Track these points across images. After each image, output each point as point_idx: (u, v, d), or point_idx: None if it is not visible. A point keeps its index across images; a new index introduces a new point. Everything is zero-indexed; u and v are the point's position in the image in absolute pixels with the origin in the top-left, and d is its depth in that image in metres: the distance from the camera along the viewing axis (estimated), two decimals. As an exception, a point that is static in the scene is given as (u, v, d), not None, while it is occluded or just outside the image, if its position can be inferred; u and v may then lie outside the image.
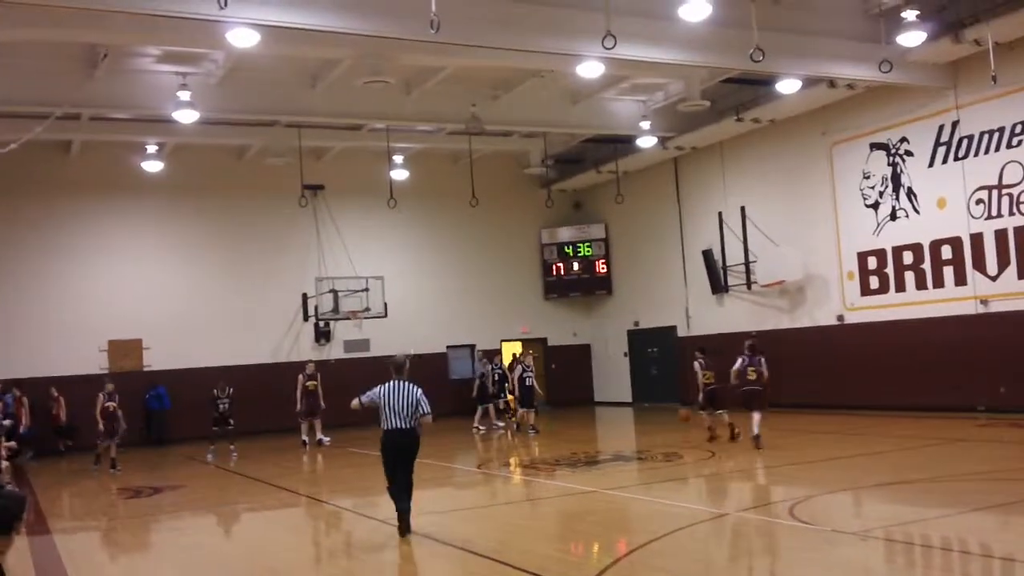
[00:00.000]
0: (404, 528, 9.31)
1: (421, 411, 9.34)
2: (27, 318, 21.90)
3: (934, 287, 18.64)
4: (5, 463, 13.98)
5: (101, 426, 16.98)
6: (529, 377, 20.05)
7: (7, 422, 16.56)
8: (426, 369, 19.96)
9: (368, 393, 9.50)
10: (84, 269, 22.78)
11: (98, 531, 11.93)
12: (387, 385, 9.43)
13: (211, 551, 10.27)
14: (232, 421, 18.75)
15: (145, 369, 22.89)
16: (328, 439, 19.72)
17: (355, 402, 9.60)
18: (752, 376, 14.93)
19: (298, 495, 12.95)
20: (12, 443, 15.61)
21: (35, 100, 17.44)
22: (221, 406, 18.75)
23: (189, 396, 21.45)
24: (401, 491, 9.39)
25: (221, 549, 10.43)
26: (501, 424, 21.33)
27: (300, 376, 19.81)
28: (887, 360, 19.28)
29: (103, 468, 17.19)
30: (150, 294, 23.17)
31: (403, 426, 9.30)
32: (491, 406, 21.68)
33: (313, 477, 15.97)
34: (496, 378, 21.89)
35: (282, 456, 18.63)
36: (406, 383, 9.44)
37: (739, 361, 15.10)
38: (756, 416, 14.66)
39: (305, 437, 19.70)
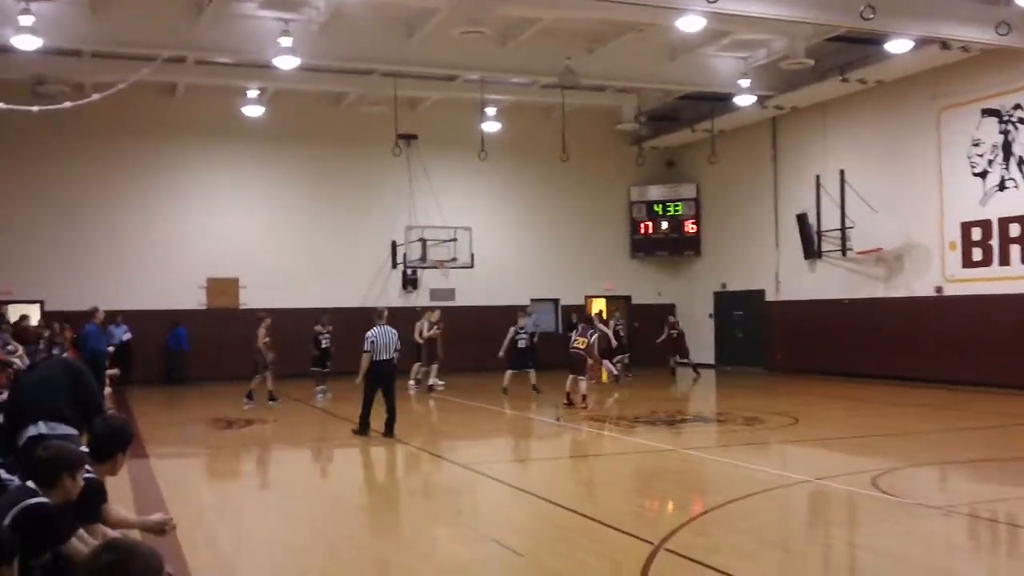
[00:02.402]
0: (364, 429, 12.81)
1: (398, 347, 12.99)
2: (132, 253, 22.85)
3: (1042, 262, 17.84)
4: (108, 389, 14.73)
5: (268, 358, 17.14)
6: (522, 339, 19.30)
7: (111, 348, 17.38)
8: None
9: (368, 342, 12.78)
10: (186, 208, 23.59)
11: (192, 458, 12.52)
12: (376, 330, 12.88)
13: (297, 484, 10.68)
14: (329, 363, 18.48)
15: (241, 307, 23.68)
16: (442, 383, 19.73)
17: (366, 347, 12.75)
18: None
19: (383, 436, 13.30)
20: (115, 370, 16.38)
21: (143, 42, 17.96)
22: (323, 342, 18.42)
23: (285, 336, 21.99)
24: (389, 409, 12.74)
25: (306, 483, 10.83)
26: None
27: (424, 323, 19.61)
28: (986, 335, 18.58)
29: (259, 403, 17.10)
30: (247, 235, 23.91)
31: (388, 357, 12.78)
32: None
33: (401, 418, 16.31)
34: (621, 333, 22.44)
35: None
36: (387, 328, 12.93)
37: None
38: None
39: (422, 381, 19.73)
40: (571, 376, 16.33)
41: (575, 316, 24.85)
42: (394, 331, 13.03)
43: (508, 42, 19.50)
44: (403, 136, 23.49)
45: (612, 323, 22.25)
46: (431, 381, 19.70)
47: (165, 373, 22.67)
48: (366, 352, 12.79)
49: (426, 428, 15.42)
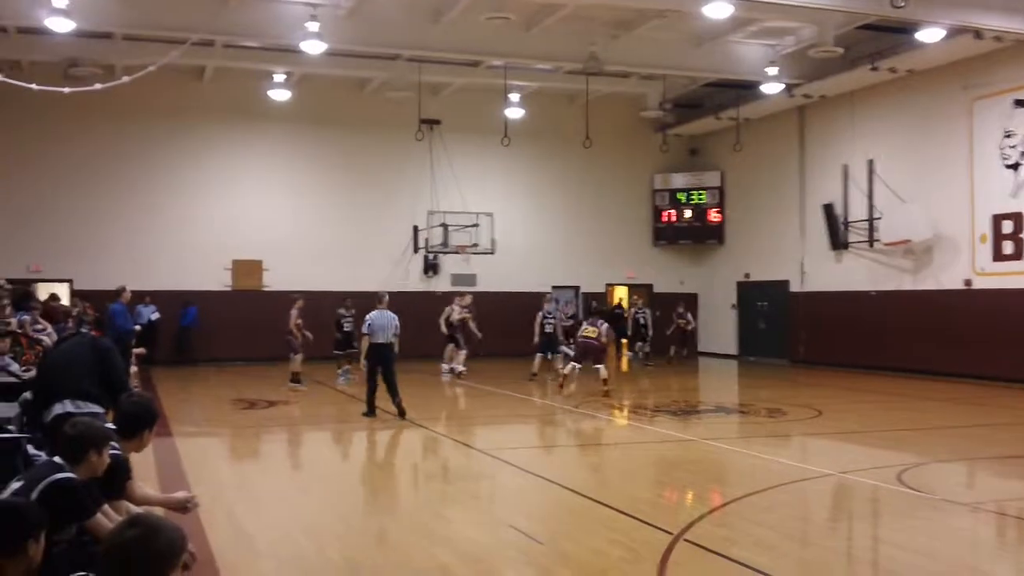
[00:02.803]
0: (371, 411, 13.19)
1: (397, 331, 13.33)
2: (159, 234, 23.04)
3: (1073, 256, 17.57)
4: (134, 368, 14.86)
5: (299, 339, 17.20)
6: (549, 324, 19.49)
7: (137, 327, 17.52)
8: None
9: (366, 325, 13.31)
10: (211, 190, 23.75)
11: (215, 437, 12.62)
12: (375, 313, 13.37)
13: (317, 465, 10.74)
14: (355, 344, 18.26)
15: (264, 289, 23.83)
16: (464, 368, 19.59)
17: (364, 329, 13.34)
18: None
19: (397, 418, 13.35)
20: (142, 349, 16.51)
21: (173, 25, 18.07)
22: (346, 325, 18.55)
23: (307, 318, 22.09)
24: (391, 391, 13.14)
25: (326, 464, 10.89)
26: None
27: (455, 307, 19.65)
28: (1016, 330, 18.30)
29: (303, 385, 17.18)
30: (272, 218, 24.03)
31: (386, 341, 13.20)
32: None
33: (420, 403, 16.36)
34: (641, 321, 22.49)
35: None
36: (387, 312, 13.37)
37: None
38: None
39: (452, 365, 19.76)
40: (572, 364, 16.65)
41: (594, 303, 25.06)
42: (393, 315, 13.40)
43: (533, 28, 19.41)
44: (426, 121, 23.51)
45: (633, 310, 22.42)
46: (454, 364, 19.70)
47: (176, 352, 22.72)
48: (365, 335, 13.33)
49: (446, 413, 15.46)
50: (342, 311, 18.74)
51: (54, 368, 6.62)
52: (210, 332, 23.02)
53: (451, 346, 19.90)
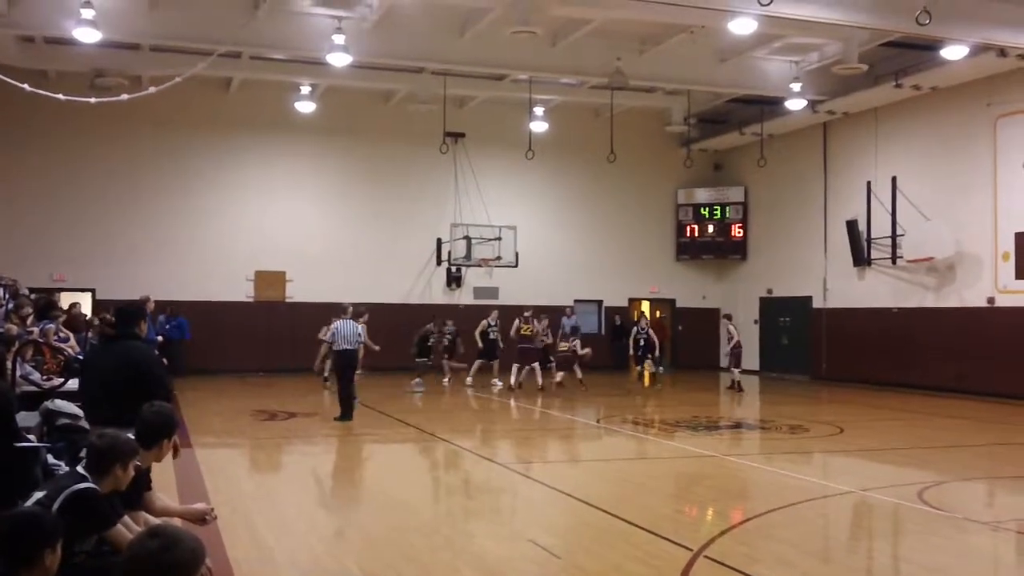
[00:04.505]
0: (346, 414, 14.15)
1: (360, 339, 14.59)
2: (183, 244, 23.26)
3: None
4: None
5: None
6: (493, 331, 20.33)
7: (159, 338, 17.65)
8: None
9: (331, 333, 14.68)
10: (236, 200, 23.94)
11: (235, 448, 12.69)
12: (339, 322, 14.59)
13: (336, 478, 10.78)
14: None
15: (287, 301, 23.98)
16: (470, 380, 20.34)
17: (325, 337, 14.98)
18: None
19: (422, 431, 13.37)
20: (163, 360, 16.58)
21: (201, 37, 18.27)
22: (442, 339, 20.18)
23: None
24: (344, 392, 14.23)
25: (346, 477, 10.93)
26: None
27: (517, 320, 20.04)
28: (1040, 349, 18.15)
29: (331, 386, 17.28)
30: (295, 229, 24.18)
31: (350, 347, 14.32)
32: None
33: (440, 416, 16.39)
34: (641, 342, 21.75)
35: (406, 392, 19.21)
36: (350, 321, 14.54)
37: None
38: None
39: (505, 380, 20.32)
40: (515, 367, 19.38)
41: (618, 318, 25.76)
42: (356, 324, 14.71)
43: (558, 42, 19.49)
44: (451, 134, 23.61)
45: (635, 329, 22.18)
46: (469, 377, 20.29)
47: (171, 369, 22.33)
48: (327, 342, 14.73)
49: (466, 426, 15.46)
50: (430, 327, 20.20)
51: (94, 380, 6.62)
52: (231, 343, 23.14)
53: (480, 361, 20.40)
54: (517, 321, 19.84)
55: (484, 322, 20.43)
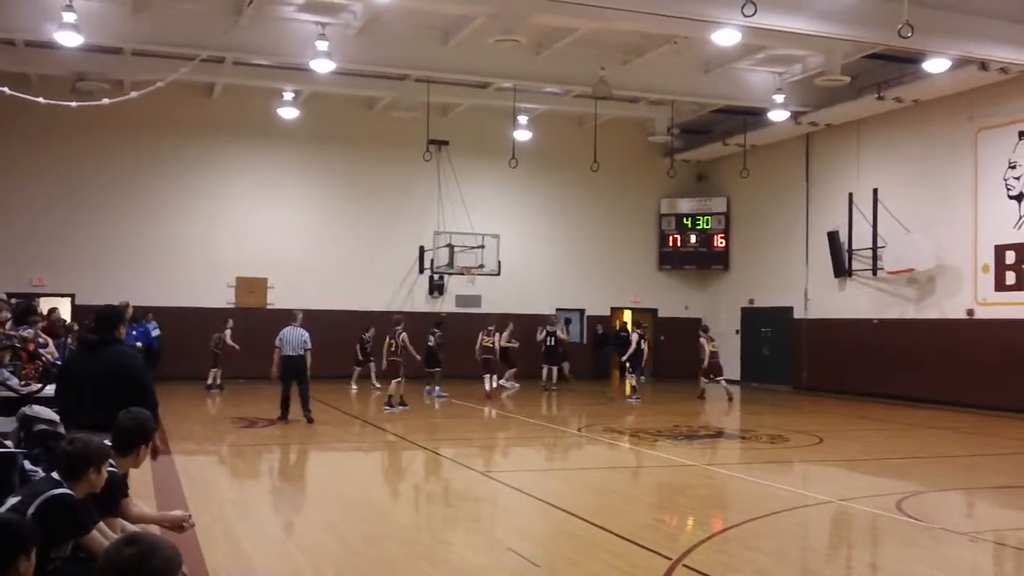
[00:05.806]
0: (284, 416, 14.75)
1: (306, 346, 14.80)
2: (164, 249, 23.11)
3: (1077, 288, 17.54)
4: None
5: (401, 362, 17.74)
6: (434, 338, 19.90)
7: (140, 344, 17.51)
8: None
9: (279, 339, 14.93)
10: (218, 206, 23.82)
11: (214, 455, 12.60)
12: (287, 329, 14.95)
13: (316, 485, 10.72)
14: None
15: (268, 307, 23.83)
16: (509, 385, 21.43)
17: (277, 343, 14.90)
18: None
19: (404, 440, 13.32)
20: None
21: (183, 42, 18.14)
22: (368, 347, 20.69)
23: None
24: (303, 399, 14.74)
25: (325, 484, 10.87)
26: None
27: (481, 334, 20.65)
28: (1018, 360, 18.27)
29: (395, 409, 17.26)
30: (277, 236, 24.08)
31: (294, 354, 14.73)
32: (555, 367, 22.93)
33: (421, 424, 16.36)
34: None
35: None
36: (298, 328, 14.89)
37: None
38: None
39: (504, 383, 21.63)
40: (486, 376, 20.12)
41: (600, 327, 25.94)
42: (304, 331, 14.98)
43: (542, 51, 19.54)
44: (434, 142, 23.61)
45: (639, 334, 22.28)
46: (498, 383, 21.14)
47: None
48: (277, 348, 14.92)
49: (447, 434, 15.43)
50: (365, 335, 20.70)
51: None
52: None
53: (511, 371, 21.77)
54: (481, 335, 20.68)
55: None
